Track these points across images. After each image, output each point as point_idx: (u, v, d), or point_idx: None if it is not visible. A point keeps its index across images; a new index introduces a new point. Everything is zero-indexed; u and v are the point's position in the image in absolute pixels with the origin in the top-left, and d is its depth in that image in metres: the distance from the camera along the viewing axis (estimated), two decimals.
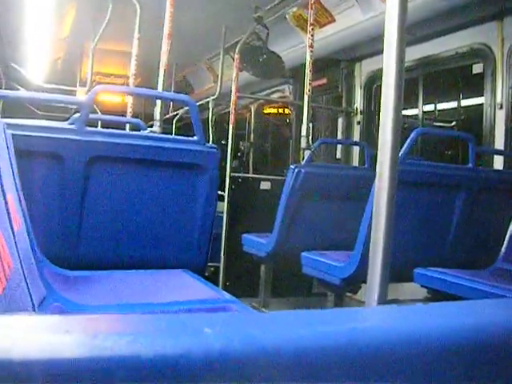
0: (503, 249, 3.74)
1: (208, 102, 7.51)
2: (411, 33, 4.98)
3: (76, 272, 2.71)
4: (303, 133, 5.12)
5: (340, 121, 6.96)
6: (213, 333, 0.50)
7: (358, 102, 6.72)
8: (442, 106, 7.16)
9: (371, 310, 0.94)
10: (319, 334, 0.55)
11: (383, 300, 1.58)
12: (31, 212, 2.33)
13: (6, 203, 1.32)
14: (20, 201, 2.03)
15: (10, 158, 1.99)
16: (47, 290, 2.03)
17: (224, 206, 5.79)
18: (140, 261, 3.10)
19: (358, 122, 6.71)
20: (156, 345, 0.47)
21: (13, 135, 2.30)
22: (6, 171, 1.76)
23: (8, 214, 1.31)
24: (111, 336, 0.48)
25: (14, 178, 2.01)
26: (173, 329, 0.52)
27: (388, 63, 1.60)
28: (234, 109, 6.04)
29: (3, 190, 1.32)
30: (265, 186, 6.10)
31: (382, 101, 1.64)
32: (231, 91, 6.11)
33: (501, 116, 4.78)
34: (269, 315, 0.65)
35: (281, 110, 9.34)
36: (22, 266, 1.24)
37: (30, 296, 1.23)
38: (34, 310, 1.25)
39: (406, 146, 3.60)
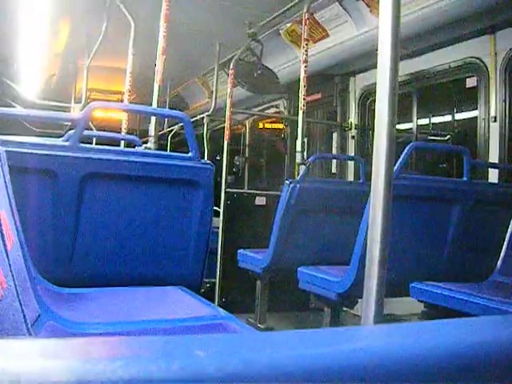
0: (499, 262, 3.73)
1: (203, 117, 7.52)
2: (405, 47, 5.01)
3: (70, 289, 2.69)
4: (298, 148, 5.11)
5: (334, 135, 6.98)
6: (206, 356, 0.49)
7: (353, 117, 6.74)
8: (436, 119, 7.18)
9: (370, 329, 0.93)
10: (317, 355, 0.54)
11: (379, 316, 1.57)
12: (25, 229, 2.31)
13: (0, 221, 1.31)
14: (14, 218, 2.01)
15: (3, 175, 1.98)
16: (41, 308, 2.02)
17: (219, 222, 5.78)
18: (135, 277, 3.08)
19: (353, 137, 6.73)
20: (148, 369, 0.46)
21: (7, 152, 2.29)
22: (0, 189, 1.75)
23: (1, 231, 1.29)
24: (103, 361, 0.46)
25: (8, 195, 2.00)
26: (165, 352, 0.51)
27: (382, 78, 1.60)
28: (229, 124, 6.05)
29: None
30: (260, 201, 6.09)
31: (376, 115, 1.64)
32: (226, 107, 6.12)
33: (495, 129, 4.80)
34: (265, 335, 0.64)
35: (275, 125, 9.35)
36: (15, 284, 1.23)
37: (24, 316, 1.22)
38: (28, 330, 1.24)
39: (400, 160, 3.60)
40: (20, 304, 1.20)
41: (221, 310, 2.60)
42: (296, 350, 0.55)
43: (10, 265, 1.24)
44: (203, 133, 7.38)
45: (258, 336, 0.65)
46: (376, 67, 1.64)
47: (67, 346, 0.53)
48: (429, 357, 0.62)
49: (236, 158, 9.10)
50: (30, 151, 2.75)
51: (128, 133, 5.23)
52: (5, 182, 1.98)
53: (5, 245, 1.26)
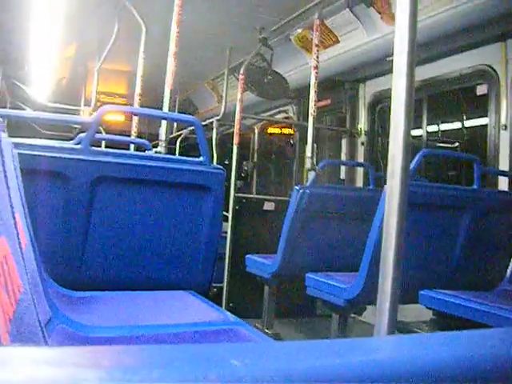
0: (509, 270, 3.72)
1: (212, 122, 7.53)
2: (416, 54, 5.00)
3: (80, 293, 2.69)
4: (308, 153, 5.10)
5: (343, 141, 6.97)
6: (242, 365, 0.48)
7: (362, 123, 6.72)
8: (445, 126, 7.17)
9: (395, 340, 0.92)
10: (351, 364, 0.54)
11: (393, 324, 1.56)
12: (36, 231, 2.31)
13: (15, 223, 1.31)
14: (26, 220, 2.02)
15: (16, 177, 1.98)
16: (52, 312, 2.02)
17: (228, 227, 5.77)
18: (145, 281, 3.08)
19: (362, 143, 6.71)
20: (187, 379, 0.45)
21: (19, 154, 2.29)
22: (14, 191, 1.75)
23: (17, 234, 1.29)
24: (142, 369, 0.46)
25: (21, 198, 2.00)
26: (199, 361, 0.50)
27: (397, 85, 1.60)
28: (239, 129, 6.04)
29: (13, 210, 1.31)
30: (269, 206, 6.09)
31: (391, 122, 1.63)
32: (235, 111, 6.12)
33: (505, 137, 4.78)
34: (296, 345, 0.63)
35: (284, 131, 9.35)
36: (30, 287, 1.22)
37: (39, 321, 1.21)
38: (43, 334, 1.24)
39: (411, 167, 3.59)
40: (35, 307, 1.19)
41: (230, 314, 2.59)
42: (331, 359, 0.54)
43: (25, 268, 1.24)
44: (212, 137, 7.38)
45: (289, 345, 0.65)
46: (386, 74, 1.65)
47: (101, 355, 0.52)
48: (443, 369, 0.62)
49: (244, 162, 9.09)
50: (42, 154, 2.76)
51: (137, 136, 5.24)
52: (17, 184, 1.98)
53: (21, 248, 1.27)
